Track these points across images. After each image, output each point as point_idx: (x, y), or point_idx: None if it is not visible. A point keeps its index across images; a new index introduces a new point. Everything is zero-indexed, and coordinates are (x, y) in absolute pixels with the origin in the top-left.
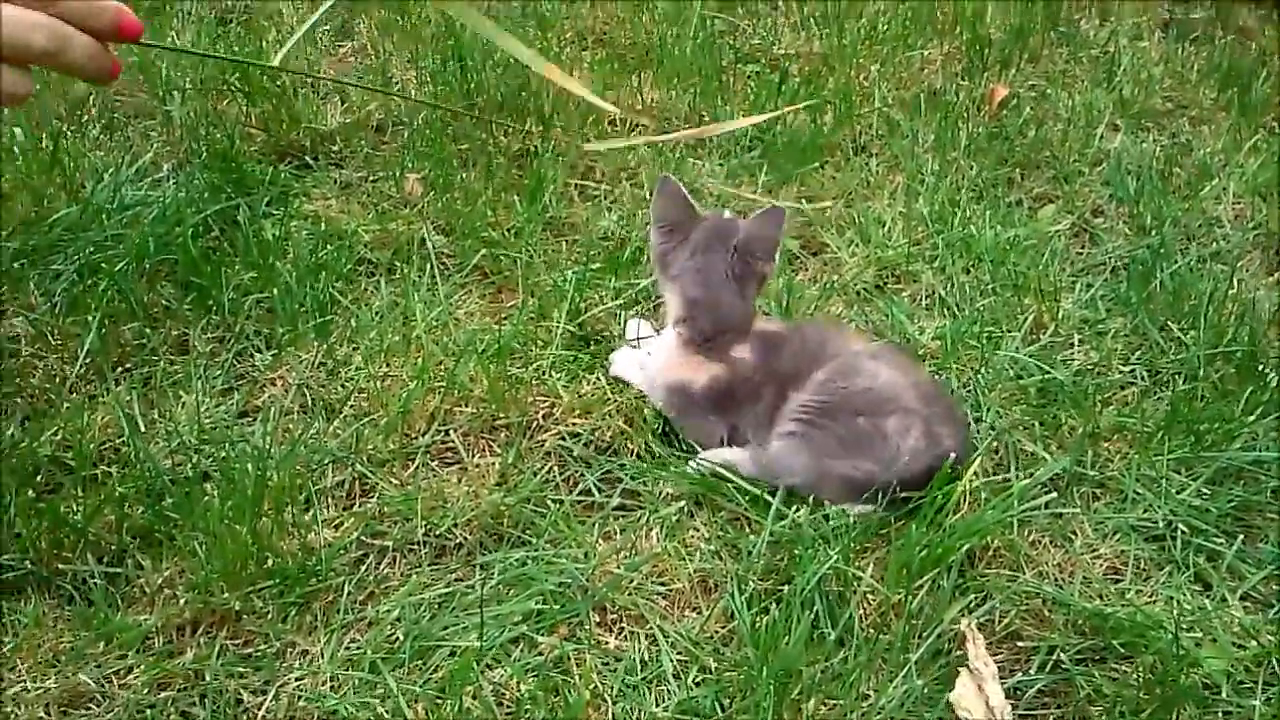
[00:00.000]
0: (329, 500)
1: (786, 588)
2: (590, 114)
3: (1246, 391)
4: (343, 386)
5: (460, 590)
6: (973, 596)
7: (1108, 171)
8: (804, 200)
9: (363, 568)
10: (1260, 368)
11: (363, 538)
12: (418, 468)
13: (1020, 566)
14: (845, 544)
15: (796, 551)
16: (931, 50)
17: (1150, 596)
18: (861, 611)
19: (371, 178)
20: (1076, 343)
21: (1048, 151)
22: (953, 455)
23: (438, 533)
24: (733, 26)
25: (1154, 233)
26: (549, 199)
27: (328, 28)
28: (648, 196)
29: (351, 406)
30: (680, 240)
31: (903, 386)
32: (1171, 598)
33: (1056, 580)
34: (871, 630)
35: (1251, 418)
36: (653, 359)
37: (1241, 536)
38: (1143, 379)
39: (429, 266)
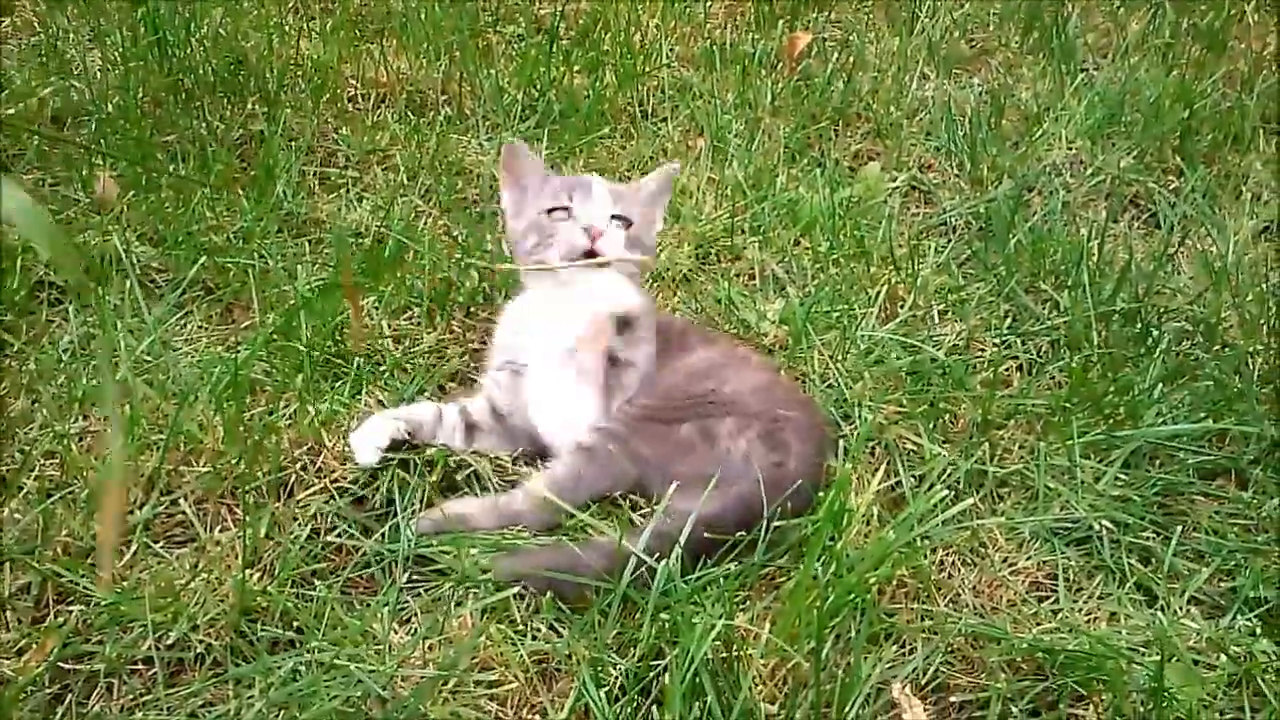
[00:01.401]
0: (6, 616)
1: (659, 664)
2: (325, 90)
3: (1141, 356)
4: (21, 453)
5: None
6: (886, 645)
7: (929, 122)
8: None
9: (62, 707)
10: (1147, 327)
11: (60, 663)
12: (136, 554)
13: (932, 596)
14: (728, 597)
15: (667, 615)
16: (712, 2)
17: (1089, 614)
18: (759, 683)
19: (50, 180)
20: (938, 315)
21: (860, 104)
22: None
23: (170, 641)
24: None
25: (992, 186)
26: (283, 191)
27: None
28: (405, 180)
29: (34, 479)
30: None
31: (750, 390)
32: (1114, 614)
33: (977, 608)
34: (778, 710)
35: (1157, 387)
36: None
37: (1178, 529)
38: (1020, 350)
39: (131, 285)
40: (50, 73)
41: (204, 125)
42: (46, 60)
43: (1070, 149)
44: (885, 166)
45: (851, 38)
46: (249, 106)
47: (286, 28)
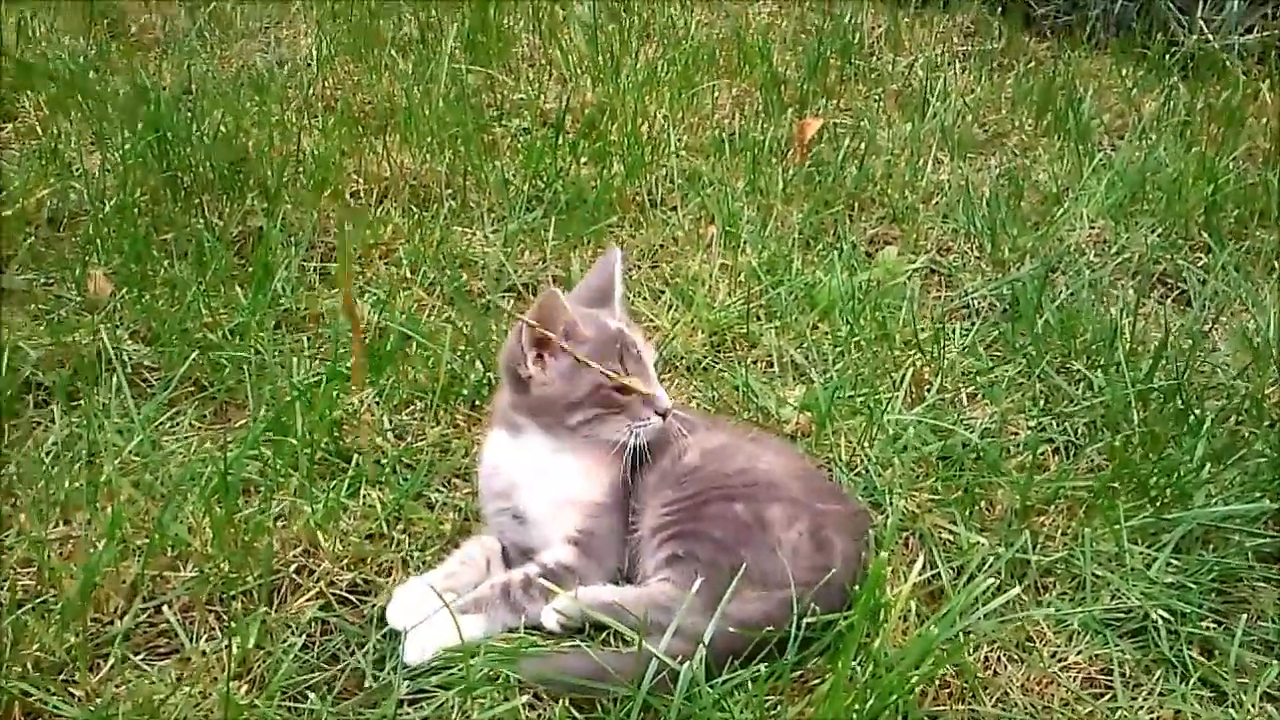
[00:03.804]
0: None
1: None
2: (326, 185)
3: (1184, 434)
4: None
5: None
6: None
7: (945, 205)
8: None
9: None
10: (1189, 404)
11: None
12: (114, 667)
13: (978, 695)
14: (757, 702)
15: None
16: (720, 92)
17: (1151, 713)
18: None
19: (43, 280)
20: (966, 398)
21: (874, 188)
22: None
23: None
24: (489, 81)
25: (1014, 267)
26: (280, 286)
27: None
28: (408, 274)
29: (6, 589)
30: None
31: (786, 474)
32: (1179, 712)
33: (1027, 708)
34: None
35: (1204, 466)
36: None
37: (1242, 618)
38: (1056, 431)
39: (117, 382)
40: (50, 175)
41: (202, 222)
42: (46, 163)
43: (1092, 228)
44: (903, 250)
45: (862, 123)
46: (248, 202)
47: (288, 124)
